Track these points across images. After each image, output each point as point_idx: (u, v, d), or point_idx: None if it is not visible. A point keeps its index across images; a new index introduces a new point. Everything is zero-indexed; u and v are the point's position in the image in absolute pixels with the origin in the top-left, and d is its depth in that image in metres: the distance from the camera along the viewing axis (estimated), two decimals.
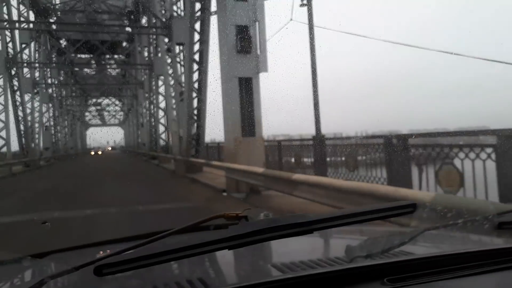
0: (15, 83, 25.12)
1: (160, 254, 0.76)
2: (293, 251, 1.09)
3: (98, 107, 74.20)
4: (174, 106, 20.08)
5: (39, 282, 0.83)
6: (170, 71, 21.78)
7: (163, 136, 28.70)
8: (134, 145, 46.82)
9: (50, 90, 35.67)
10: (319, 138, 9.92)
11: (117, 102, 71.16)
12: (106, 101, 71.96)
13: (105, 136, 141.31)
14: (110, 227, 5.80)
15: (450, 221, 1.08)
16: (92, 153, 58.07)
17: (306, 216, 0.85)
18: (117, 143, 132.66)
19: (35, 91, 29.06)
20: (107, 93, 60.39)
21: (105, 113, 78.67)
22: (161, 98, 27.87)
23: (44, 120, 33.01)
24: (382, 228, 1.37)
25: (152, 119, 27.67)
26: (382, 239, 0.97)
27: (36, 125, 28.53)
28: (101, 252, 1.32)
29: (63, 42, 38.50)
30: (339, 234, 1.28)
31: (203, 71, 16.25)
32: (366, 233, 1.27)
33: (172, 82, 21.31)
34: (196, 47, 16.21)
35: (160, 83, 27.45)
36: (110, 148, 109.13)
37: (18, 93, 25.47)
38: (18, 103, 25.20)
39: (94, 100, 70.81)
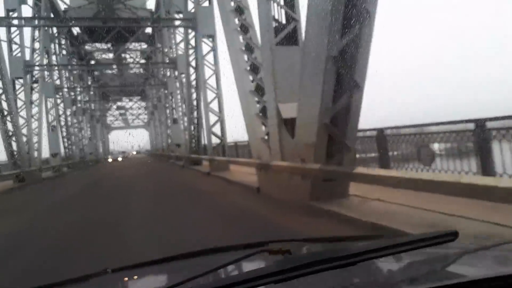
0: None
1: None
2: (337, 283, 1.00)
3: (122, 111, 68.16)
4: None
5: None
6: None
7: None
8: (163, 147, 39.52)
9: (58, 82, 28.72)
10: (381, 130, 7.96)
11: (140, 103, 65.00)
12: (129, 104, 66.06)
13: (129, 139, 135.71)
14: None
15: (489, 243, 1.09)
16: (110, 160, 46.98)
17: (348, 248, 0.91)
18: (142, 147, 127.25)
19: (34, 79, 21.95)
20: (129, 92, 54.25)
21: (128, 115, 72.90)
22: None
23: (50, 119, 26.07)
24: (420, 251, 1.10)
25: (194, 112, 19.81)
26: (424, 263, 1.05)
27: (39, 127, 21.42)
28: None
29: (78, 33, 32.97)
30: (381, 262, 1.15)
31: None
32: (405, 258, 1.14)
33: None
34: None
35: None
36: (134, 152, 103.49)
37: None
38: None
39: (116, 104, 65.41)
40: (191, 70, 20.35)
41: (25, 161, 17.81)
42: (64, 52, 32.95)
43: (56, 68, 28.46)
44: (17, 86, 19.38)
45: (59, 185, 17.54)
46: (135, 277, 1.46)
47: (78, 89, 38.15)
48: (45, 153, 31.39)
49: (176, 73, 25.13)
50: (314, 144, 6.09)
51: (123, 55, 46.75)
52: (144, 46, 43.64)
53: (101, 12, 24.72)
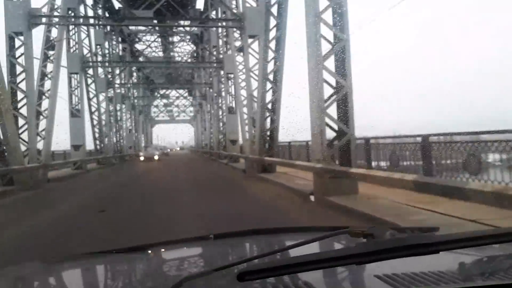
0: None
1: (297, 265, 0.79)
2: (420, 270, 0.99)
3: (166, 100, 63.04)
4: None
5: (179, 282, 0.85)
6: None
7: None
8: (211, 144, 33.04)
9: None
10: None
11: (187, 97, 59.67)
12: (175, 95, 61.00)
13: (172, 134, 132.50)
14: None
15: None
16: (142, 158, 33.31)
17: (432, 236, 0.88)
18: (186, 143, 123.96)
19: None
20: (176, 81, 48.99)
21: (173, 107, 67.94)
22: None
23: (73, 100, 20.14)
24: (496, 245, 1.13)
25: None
26: (507, 258, 1.00)
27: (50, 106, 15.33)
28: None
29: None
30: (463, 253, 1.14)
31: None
32: (488, 251, 1.12)
33: None
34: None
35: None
36: (178, 148, 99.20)
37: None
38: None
39: (161, 93, 60.68)
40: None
41: (14, 155, 11.62)
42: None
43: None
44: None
45: (68, 192, 11.14)
46: (229, 245, 1.54)
47: (117, 71, 32.72)
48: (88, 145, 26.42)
49: (238, 43, 18.42)
50: None
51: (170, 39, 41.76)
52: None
53: None
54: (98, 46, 27.33)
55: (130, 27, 39.54)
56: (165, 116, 70.82)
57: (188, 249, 1.55)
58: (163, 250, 1.51)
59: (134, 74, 46.54)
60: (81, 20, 16.26)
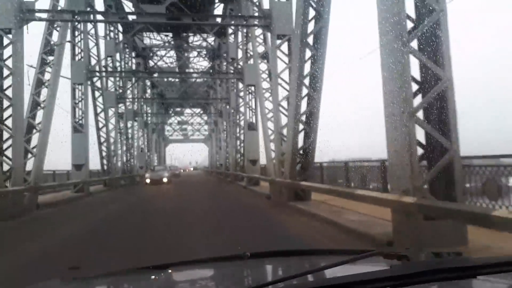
0: None
1: (334, 286, 0.78)
2: None
3: (179, 118, 61.28)
4: None
5: None
6: None
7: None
8: (227, 164, 30.62)
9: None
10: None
11: (201, 115, 57.86)
12: (189, 114, 59.33)
13: (186, 154, 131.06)
14: None
15: None
16: (148, 180, 27.00)
17: (470, 259, 0.87)
18: (199, 163, 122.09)
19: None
20: (191, 101, 47.42)
21: (188, 127, 66.10)
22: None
23: (77, 113, 18.06)
24: None
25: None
26: None
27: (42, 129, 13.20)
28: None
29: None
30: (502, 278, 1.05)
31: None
32: None
33: None
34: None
35: None
36: (191, 168, 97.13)
37: None
38: None
39: (175, 111, 59.10)
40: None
41: None
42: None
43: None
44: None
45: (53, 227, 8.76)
46: (265, 265, 1.54)
47: (129, 85, 30.94)
48: (94, 165, 24.35)
49: (261, 48, 16.20)
50: None
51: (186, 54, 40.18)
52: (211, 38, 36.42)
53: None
54: (109, 58, 25.74)
55: (145, 41, 38.55)
56: (179, 135, 69.00)
57: (225, 268, 1.51)
58: (198, 268, 1.53)
59: (148, 91, 45.17)
60: (77, 16, 13.90)
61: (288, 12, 11.74)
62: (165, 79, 50.20)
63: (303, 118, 10.04)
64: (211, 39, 37.09)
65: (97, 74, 20.79)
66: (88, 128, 18.55)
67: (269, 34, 15.83)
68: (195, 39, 37.80)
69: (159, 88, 46.29)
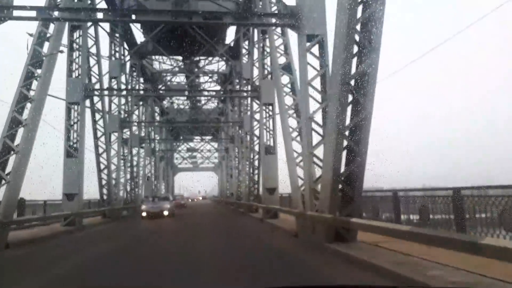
0: None
1: None
2: None
3: (189, 145, 59.20)
4: None
5: None
6: None
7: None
8: (239, 193, 28.02)
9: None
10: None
11: (211, 143, 55.86)
12: (199, 143, 57.45)
13: (195, 183, 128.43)
14: None
15: None
16: (144, 213, 21.19)
17: None
18: (208, 192, 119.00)
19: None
20: (201, 129, 45.59)
21: (197, 154, 63.88)
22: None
23: (72, 136, 15.86)
24: None
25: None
26: None
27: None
28: None
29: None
30: None
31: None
32: None
33: None
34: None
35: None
36: (200, 198, 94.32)
37: None
38: None
39: (184, 141, 57.22)
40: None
41: None
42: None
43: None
44: None
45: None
46: None
47: (135, 109, 29.02)
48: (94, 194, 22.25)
49: (282, 60, 13.98)
50: None
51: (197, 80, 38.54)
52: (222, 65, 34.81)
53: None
54: (113, 80, 23.92)
55: (154, 65, 37.04)
56: (188, 163, 66.75)
57: None
58: None
59: (157, 118, 43.44)
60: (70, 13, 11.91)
61: (321, 6, 9.61)
62: (175, 106, 48.77)
63: (346, 133, 7.61)
64: (222, 63, 35.74)
65: (96, 92, 18.72)
66: (84, 153, 16.29)
67: (291, 41, 13.74)
68: (206, 63, 36.39)
69: (169, 115, 44.52)
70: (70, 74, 16.37)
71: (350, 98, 7.38)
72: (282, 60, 13.91)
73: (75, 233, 13.88)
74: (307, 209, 9.20)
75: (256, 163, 22.89)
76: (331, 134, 7.69)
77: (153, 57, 34.63)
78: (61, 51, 13.17)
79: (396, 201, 9.45)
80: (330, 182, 7.66)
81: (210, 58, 35.43)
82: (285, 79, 13.63)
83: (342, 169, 7.70)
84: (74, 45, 16.45)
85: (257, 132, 22.32)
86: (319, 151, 9.54)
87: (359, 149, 7.40)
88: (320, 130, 9.73)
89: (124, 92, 24.18)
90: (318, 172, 9.53)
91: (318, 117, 9.73)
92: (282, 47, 14.18)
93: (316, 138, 9.70)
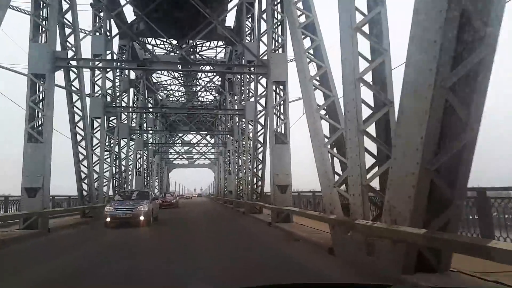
0: None
1: None
2: None
3: (184, 139, 55.89)
4: None
5: None
6: None
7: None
8: (239, 190, 24.90)
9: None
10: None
11: (206, 138, 52.58)
12: (196, 137, 54.29)
13: (190, 180, 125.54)
14: None
15: None
16: (108, 219, 13.58)
17: None
18: (204, 190, 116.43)
19: None
20: (196, 123, 42.51)
21: (193, 150, 60.51)
22: None
23: (37, 116, 12.67)
24: None
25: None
26: None
27: None
28: None
29: None
30: None
31: None
32: None
33: None
34: None
35: None
36: (196, 195, 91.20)
37: None
38: None
39: (178, 134, 53.98)
40: None
41: None
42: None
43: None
44: None
45: None
46: None
47: (124, 100, 25.80)
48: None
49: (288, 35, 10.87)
50: None
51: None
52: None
53: None
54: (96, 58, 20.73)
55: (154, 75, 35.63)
56: (184, 159, 63.48)
57: None
58: None
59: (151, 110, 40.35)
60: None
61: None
62: (170, 99, 46.06)
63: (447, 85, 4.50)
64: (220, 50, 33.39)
65: (72, 63, 15.50)
66: (51, 137, 13.07)
67: None
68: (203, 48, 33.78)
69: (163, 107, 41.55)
70: (35, 39, 13.17)
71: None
72: (302, 19, 10.82)
73: (32, 239, 10.71)
74: (356, 215, 6.10)
75: (261, 156, 19.81)
76: (416, 89, 4.57)
77: (146, 39, 31.49)
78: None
79: (485, 205, 6.37)
80: (415, 175, 4.55)
81: (208, 44, 32.95)
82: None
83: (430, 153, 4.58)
84: (41, 2, 13.24)
85: (262, 120, 19.25)
86: (371, 129, 6.48)
87: (469, 115, 4.30)
88: (372, 102, 6.62)
89: (109, 70, 20.89)
90: (368, 161, 6.46)
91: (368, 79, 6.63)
92: (300, 4, 11.09)
93: (365, 112, 6.60)
